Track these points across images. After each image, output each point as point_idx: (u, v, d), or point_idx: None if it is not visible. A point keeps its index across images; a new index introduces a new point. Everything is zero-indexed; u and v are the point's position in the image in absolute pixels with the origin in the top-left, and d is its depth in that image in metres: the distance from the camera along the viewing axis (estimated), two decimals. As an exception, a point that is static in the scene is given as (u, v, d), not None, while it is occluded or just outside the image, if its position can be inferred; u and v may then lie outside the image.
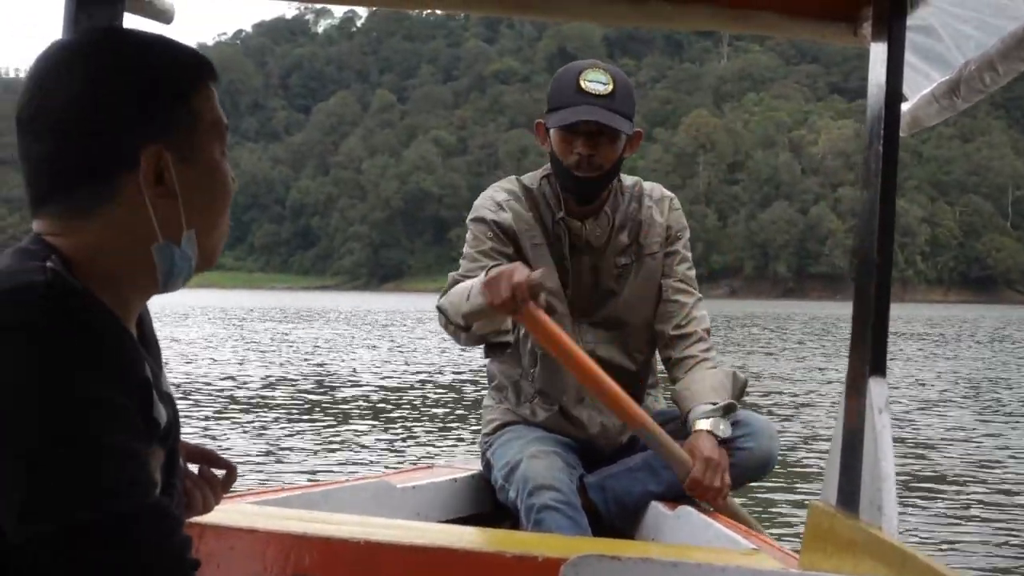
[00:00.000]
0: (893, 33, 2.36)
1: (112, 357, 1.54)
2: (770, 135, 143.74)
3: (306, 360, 21.71)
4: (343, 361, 21.86)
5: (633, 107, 3.58)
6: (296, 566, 2.44)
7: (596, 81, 3.51)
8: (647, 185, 3.77)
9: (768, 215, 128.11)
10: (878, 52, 2.39)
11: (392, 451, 10.41)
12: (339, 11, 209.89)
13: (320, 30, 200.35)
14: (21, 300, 1.53)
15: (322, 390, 15.87)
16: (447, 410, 13.64)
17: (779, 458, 3.75)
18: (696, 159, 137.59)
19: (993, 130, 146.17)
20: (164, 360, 1.89)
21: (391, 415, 13.20)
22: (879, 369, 2.35)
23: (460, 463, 4.09)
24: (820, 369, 22.07)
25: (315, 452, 10.17)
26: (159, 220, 1.66)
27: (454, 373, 19.03)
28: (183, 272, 1.73)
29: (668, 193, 3.78)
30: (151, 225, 1.66)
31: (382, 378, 18.06)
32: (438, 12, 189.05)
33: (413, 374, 18.90)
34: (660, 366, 3.88)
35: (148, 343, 1.79)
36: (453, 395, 15.33)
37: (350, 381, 17.40)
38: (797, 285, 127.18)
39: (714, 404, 3.52)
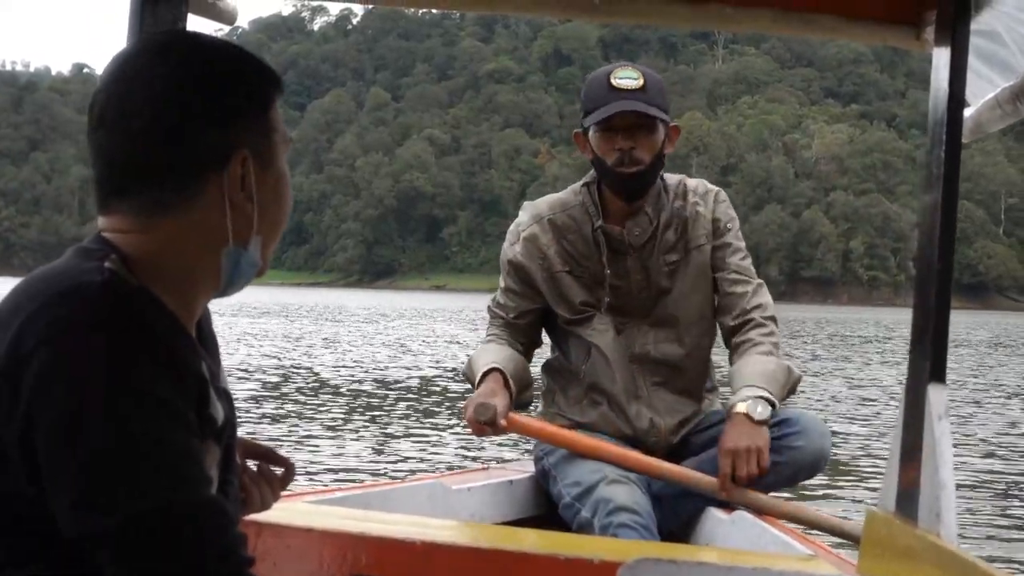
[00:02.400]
0: (957, 38, 2.34)
1: (167, 356, 1.55)
2: (763, 138, 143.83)
3: (309, 356, 21.75)
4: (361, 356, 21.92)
5: (666, 101, 3.63)
6: (352, 566, 2.43)
7: (627, 77, 3.58)
8: (692, 182, 3.80)
9: (761, 218, 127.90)
10: (941, 57, 2.37)
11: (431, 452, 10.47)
12: (335, 9, 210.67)
13: (316, 27, 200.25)
14: (77, 300, 1.54)
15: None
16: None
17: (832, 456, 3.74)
18: (689, 161, 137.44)
19: (987, 137, 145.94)
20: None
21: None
22: (939, 376, 2.33)
23: (515, 466, 4.10)
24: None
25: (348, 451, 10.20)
26: (234, 224, 1.68)
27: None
28: (246, 277, 1.75)
29: (713, 187, 3.81)
30: (225, 228, 1.68)
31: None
32: (434, 11, 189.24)
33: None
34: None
35: (207, 341, 1.80)
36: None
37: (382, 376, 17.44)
38: (789, 288, 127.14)
39: (756, 387, 3.54)
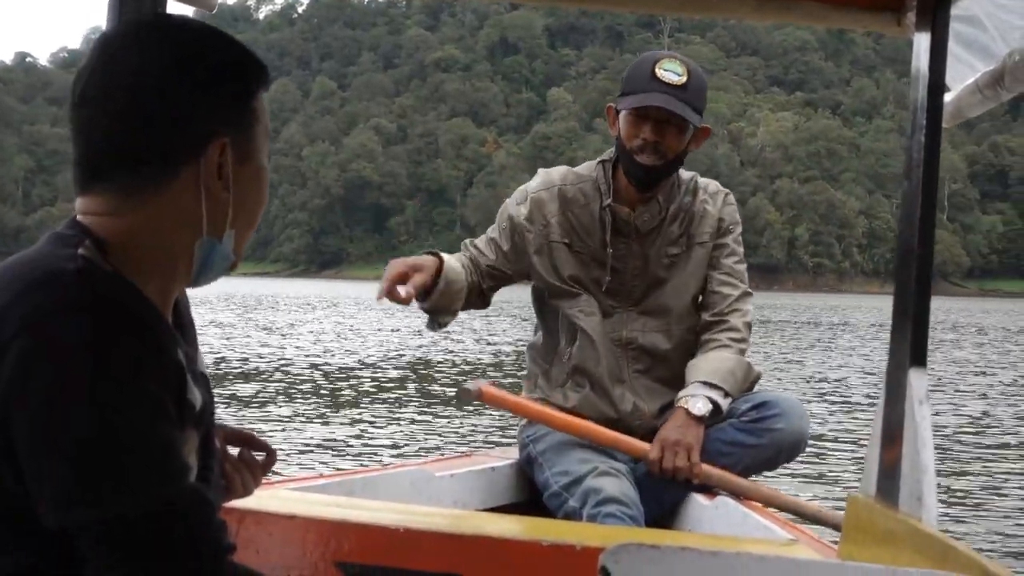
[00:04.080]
0: (937, 23, 2.35)
1: (145, 343, 1.54)
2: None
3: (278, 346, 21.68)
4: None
5: (704, 102, 3.65)
6: (335, 553, 2.42)
7: (671, 71, 3.57)
8: (703, 180, 3.82)
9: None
10: (922, 42, 2.38)
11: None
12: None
13: (262, 16, 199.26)
14: (53, 289, 1.53)
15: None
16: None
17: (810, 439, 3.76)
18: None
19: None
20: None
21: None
22: (919, 360, 2.34)
23: (498, 452, 4.12)
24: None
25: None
26: (209, 213, 1.67)
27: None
28: (217, 270, 1.74)
29: (723, 188, 3.84)
30: (200, 218, 1.67)
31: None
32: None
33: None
34: None
35: (183, 325, 1.79)
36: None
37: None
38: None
39: (705, 384, 3.57)
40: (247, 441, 2.01)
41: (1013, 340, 34.60)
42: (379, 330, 28.36)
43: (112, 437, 1.48)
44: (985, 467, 10.34)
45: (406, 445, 10.18)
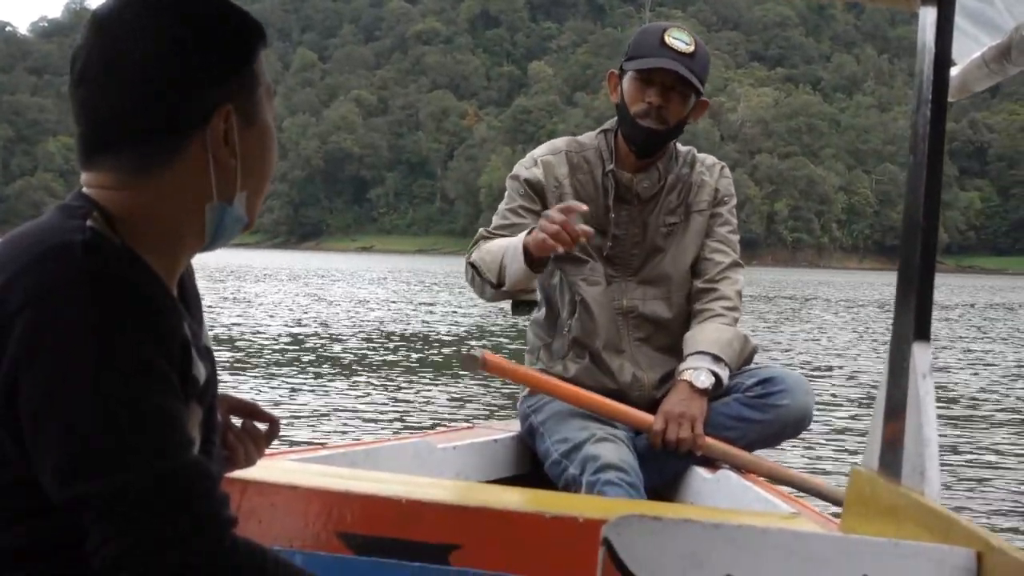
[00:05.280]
0: (943, -4, 2.34)
1: (152, 317, 1.54)
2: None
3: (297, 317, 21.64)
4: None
5: (707, 74, 3.69)
6: (338, 523, 2.42)
7: (680, 39, 3.62)
8: (700, 155, 3.86)
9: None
10: (927, 15, 2.37)
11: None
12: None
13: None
14: (60, 261, 1.53)
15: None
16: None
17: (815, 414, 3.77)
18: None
19: (910, 100, 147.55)
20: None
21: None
22: (923, 334, 2.33)
23: (500, 424, 4.12)
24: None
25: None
26: (218, 180, 1.67)
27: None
28: (231, 232, 1.73)
29: (720, 162, 3.88)
30: (209, 184, 1.67)
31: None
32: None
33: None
34: None
35: (189, 299, 1.79)
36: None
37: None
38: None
39: (706, 354, 3.58)
40: (250, 412, 2.00)
41: (984, 315, 34.82)
42: (381, 301, 28.42)
43: (117, 411, 1.48)
44: (974, 440, 10.40)
45: (410, 416, 10.19)
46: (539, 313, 3.85)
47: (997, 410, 12.66)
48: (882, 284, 62.25)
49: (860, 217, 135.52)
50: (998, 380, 15.78)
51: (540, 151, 3.81)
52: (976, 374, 16.44)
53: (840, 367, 16.34)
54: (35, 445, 1.49)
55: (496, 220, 3.74)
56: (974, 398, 13.57)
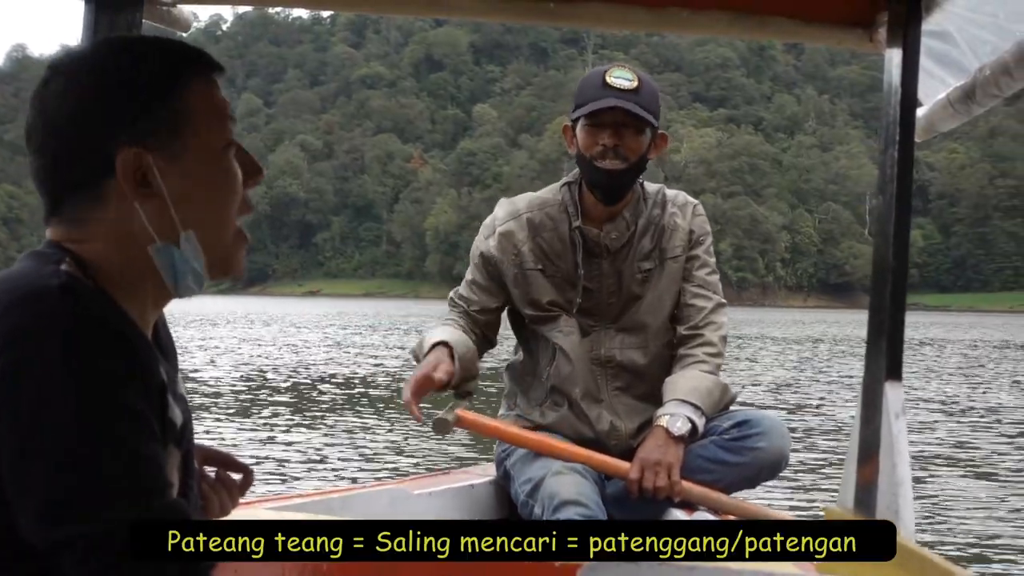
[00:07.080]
0: (908, 38, 2.38)
1: (130, 360, 1.54)
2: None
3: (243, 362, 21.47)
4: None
5: (658, 106, 3.65)
6: (314, 572, 2.40)
7: (622, 77, 3.59)
8: (670, 192, 3.81)
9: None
10: (893, 57, 2.41)
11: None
12: (205, 14, 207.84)
13: (186, 35, 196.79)
14: (37, 305, 1.53)
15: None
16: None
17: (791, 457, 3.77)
18: (560, 165, 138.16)
19: (851, 139, 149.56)
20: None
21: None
22: (895, 374, 2.36)
23: (477, 470, 4.09)
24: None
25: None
26: (152, 223, 1.66)
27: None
28: (187, 275, 1.71)
29: (692, 199, 3.83)
30: (145, 228, 1.66)
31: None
32: (304, 16, 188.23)
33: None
34: None
35: (164, 346, 1.78)
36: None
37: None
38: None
39: (684, 402, 3.55)
40: (224, 462, 2.00)
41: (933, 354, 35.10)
42: (328, 345, 28.25)
43: (97, 454, 1.47)
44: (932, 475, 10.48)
45: (388, 462, 10.17)
46: (516, 359, 3.85)
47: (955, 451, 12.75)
48: (833, 322, 62.64)
49: (804, 256, 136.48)
50: (957, 421, 15.89)
51: (499, 217, 3.77)
52: (936, 416, 16.58)
53: (811, 404, 16.41)
54: (16, 489, 1.48)
55: (461, 289, 3.79)
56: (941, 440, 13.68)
